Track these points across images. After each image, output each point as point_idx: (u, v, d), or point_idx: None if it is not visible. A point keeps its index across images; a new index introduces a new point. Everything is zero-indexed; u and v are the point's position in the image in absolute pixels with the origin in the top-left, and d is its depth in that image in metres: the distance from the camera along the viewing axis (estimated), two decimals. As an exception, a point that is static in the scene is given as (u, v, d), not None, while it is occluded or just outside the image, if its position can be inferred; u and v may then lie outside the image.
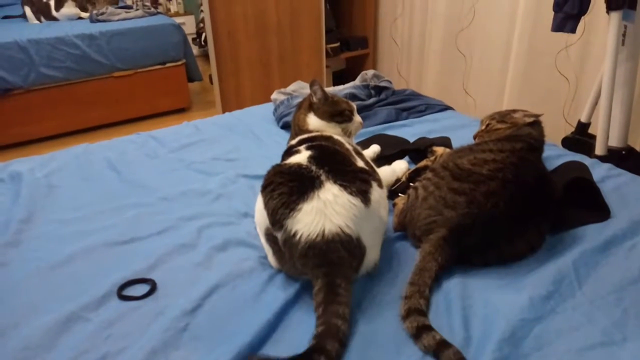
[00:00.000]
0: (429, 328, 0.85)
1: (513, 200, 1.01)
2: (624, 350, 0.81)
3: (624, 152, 1.84)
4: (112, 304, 0.96)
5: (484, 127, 1.30)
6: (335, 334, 0.83)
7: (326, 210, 0.93)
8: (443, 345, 0.81)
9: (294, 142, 1.21)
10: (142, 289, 1.00)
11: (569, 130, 2.17)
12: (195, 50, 4.71)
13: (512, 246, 1.03)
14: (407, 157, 1.48)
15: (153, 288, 1.00)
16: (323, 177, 0.97)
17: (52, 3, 3.65)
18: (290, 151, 1.14)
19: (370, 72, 2.03)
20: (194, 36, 4.96)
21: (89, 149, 1.66)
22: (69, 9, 3.65)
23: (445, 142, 1.47)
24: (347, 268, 0.93)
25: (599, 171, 1.38)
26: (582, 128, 2.06)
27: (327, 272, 0.90)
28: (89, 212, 1.28)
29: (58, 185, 1.42)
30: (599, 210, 1.17)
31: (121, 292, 0.99)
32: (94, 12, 3.52)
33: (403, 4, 3.27)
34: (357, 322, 0.89)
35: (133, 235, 1.17)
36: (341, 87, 2.01)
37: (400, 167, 1.37)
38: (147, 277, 1.03)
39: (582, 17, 1.76)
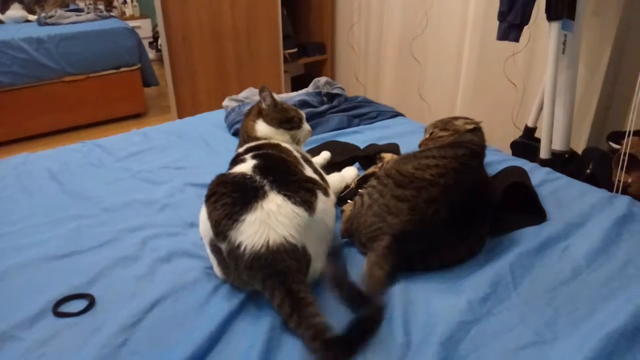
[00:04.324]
0: None
1: (454, 206, 1.04)
2: (553, 349, 0.84)
3: (567, 156, 1.93)
4: (47, 322, 0.92)
5: (428, 136, 1.33)
6: (325, 329, 0.81)
7: (270, 221, 0.93)
8: None
9: (241, 150, 1.20)
10: (79, 304, 0.96)
11: (517, 134, 2.25)
12: (152, 54, 4.62)
13: (453, 251, 1.05)
14: (357, 164, 1.50)
15: (91, 303, 0.96)
16: (267, 187, 0.97)
17: (-4, 5, 3.51)
18: (236, 160, 1.14)
19: (322, 79, 2.04)
20: (151, 40, 4.86)
21: (30, 158, 1.60)
22: (16, 11, 3.52)
23: (393, 148, 1.50)
24: (298, 274, 0.92)
25: (538, 175, 1.43)
26: (529, 132, 2.14)
27: (281, 281, 0.89)
28: (26, 226, 1.22)
29: (-7, 197, 1.36)
30: (536, 214, 1.21)
31: (57, 309, 0.95)
32: (42, 15, 3.40)
33: (360, 11, 3.31)
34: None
35: (72, 248, 1.13)
36: (293, 93, 2.01)
37: (349, 173, 1.39)
38: (86, 292, 0.99)
39: (527, 27, 1.84)
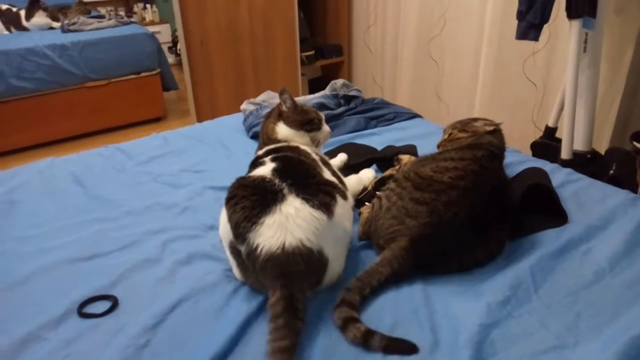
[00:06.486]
0: (355, 320, 0.88)
1: (473, 209, 1.03)
2: (575, 354, 0.82)
3: (589, 156, 1.89)
4: (72, 323, 0.95)
5: (446, 137, 1.32)
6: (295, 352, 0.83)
7: (287, 224, 0.93)
8: (368, 334, 0.85)
9: (260, 152, 1.21)
10: (103, 306, 0.98)
11: (537, 134, 2.22)
12: (171, 59, 4.69)
13: (473, 254, 1.04)
14: (374, 166, 1.49)
15: (114, 304, 0.99)
16: (286, 191, 0.98)
17: (22, 13, 3.61)
18: (256, 162, 1.15)
19: (339, 82, 2.05)
20: (170, 44, 4.94)
21: (54, 163, 1.64)
22: (40, 18, 3.61)
23: (411, 150, 1.49)
24: (304, 282, 0.93)
25: (559, 176, 1.41)
26: (550, 132, 2.11)
27: (284, 284, 0.90)
28: (50, 229, 1.26)
29: (20, 201, 1.40)
30: (557, 216, 1.19)
31: (81, 310, 0.97)
32: (66, 21, 3.48)
33: (376, 12, 3.31)
34: (318, 333, 0.89)
35: (95, 251, 1.16)
36: (310, 96, 2.02)
37: (367, 175, 1.39)
38: (109, 293, 1.01)
39: (546, 25, 1.81)
